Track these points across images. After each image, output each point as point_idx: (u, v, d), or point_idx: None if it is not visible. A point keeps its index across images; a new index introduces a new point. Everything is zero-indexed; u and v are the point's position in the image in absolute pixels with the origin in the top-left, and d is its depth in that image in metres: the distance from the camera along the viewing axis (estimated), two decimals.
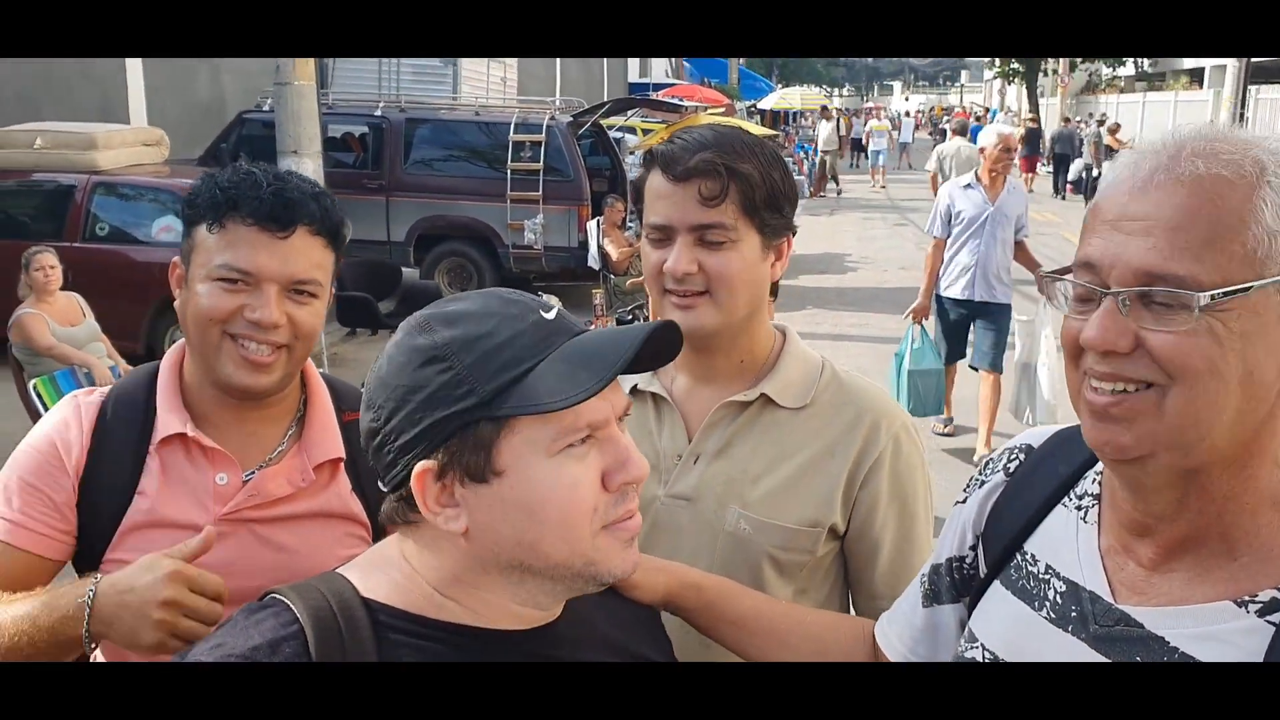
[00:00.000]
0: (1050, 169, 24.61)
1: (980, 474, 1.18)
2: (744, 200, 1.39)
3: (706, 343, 1.46)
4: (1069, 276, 0.93)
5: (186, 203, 1.45)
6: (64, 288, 5.92)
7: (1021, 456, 1.14)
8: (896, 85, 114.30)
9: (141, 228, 8.14)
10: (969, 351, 6.66)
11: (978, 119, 27.28)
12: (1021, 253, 6.44)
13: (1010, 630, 1.04)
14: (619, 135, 13.78)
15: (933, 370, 6.26)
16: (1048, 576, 1.03)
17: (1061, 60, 34.61)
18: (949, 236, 6.41)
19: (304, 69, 7.40)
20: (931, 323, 6.58)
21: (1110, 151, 20.83)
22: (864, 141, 29.12)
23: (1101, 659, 0.94)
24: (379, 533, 1.22)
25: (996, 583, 1.09)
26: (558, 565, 0.97)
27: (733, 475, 1.46)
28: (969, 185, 6.41)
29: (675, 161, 1.40)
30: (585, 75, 27.34)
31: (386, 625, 0.97)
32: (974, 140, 11.64)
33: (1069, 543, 1.03)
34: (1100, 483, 1.04)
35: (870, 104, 63.20)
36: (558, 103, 11.65)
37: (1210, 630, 0.89)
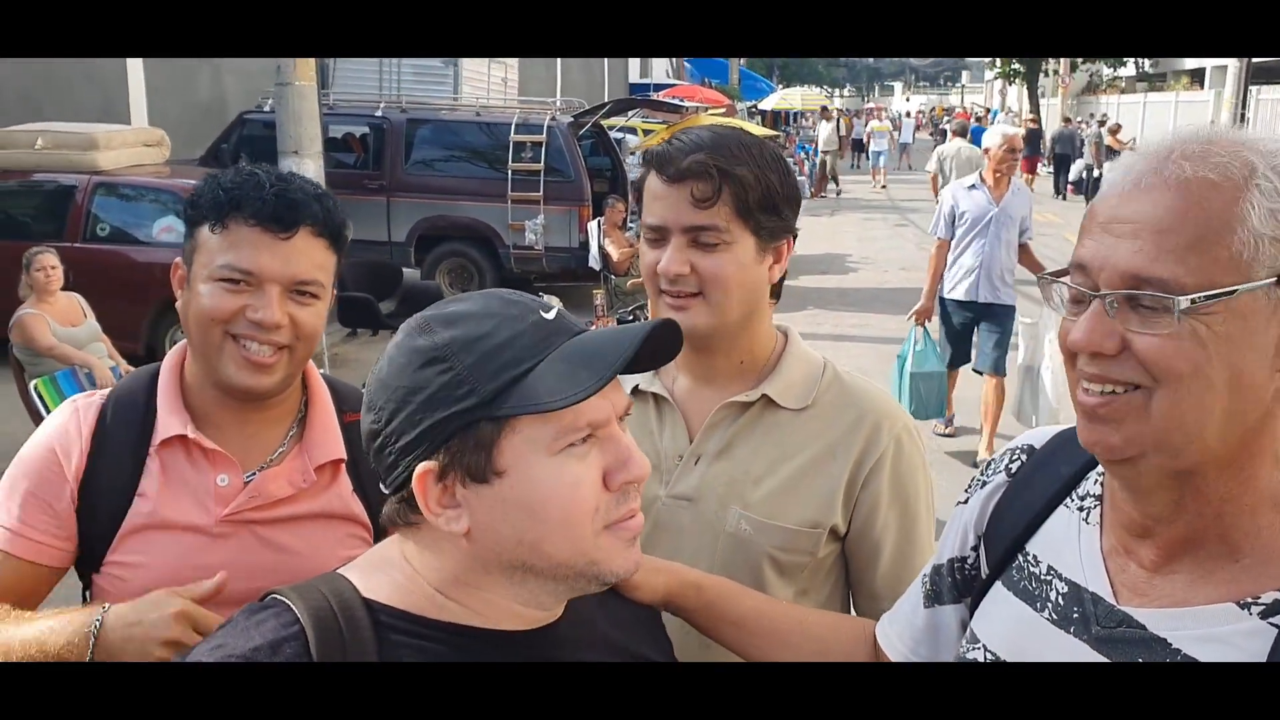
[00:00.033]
0: (1051, 170, 24.59)
1: (982, 474, 1.18)
2: (737, 203, 1.38)
3: (704, 343, 1.46)
4: (1065, 278, 0.93)
5: (189, 203, 1.45)
6: (65, 288, 5.91)
7: (1023, 457, 1.14)
8: (897, 86, 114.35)
9: (142, 228, 8.14)
10: (973, 354, 6.62)
11: (978, 120, 27.21)
12: (1025, 255, 6.39)
13: (1012, 631, 1.04)
14: (620, 136, 13.79)
15: (935, 373, 6.23)
16: (1049, 577, 1.03)
17: (1062, 61, 34.60)
18: (953, 238, 6.35)
19: (305, 69, 7.38)
20: (934, 325, 6.53)
21: (1111, 152, 20.81)
22: (864, 142, 29.13)
23: (1103, 660, 0.94)
24: (380, 534, 1.23)
25: (998, 583, 1.09)
26: (560, 565, 0.97)
27: (734, 476, 1.46)
28: (973, 186, 6.36)
29: (669, 162, 1.40)
30: (586, 76, 27.34)
31: (387, 626, 0.97)
32: (975, 141, 11.64)
33: (1071, 544, 1.03)
34: (1102, 484, 1.04)
35: (871, 104, 63.12)
36: (559, 103, 11.65)
37: (1212, 632, 0.89)
